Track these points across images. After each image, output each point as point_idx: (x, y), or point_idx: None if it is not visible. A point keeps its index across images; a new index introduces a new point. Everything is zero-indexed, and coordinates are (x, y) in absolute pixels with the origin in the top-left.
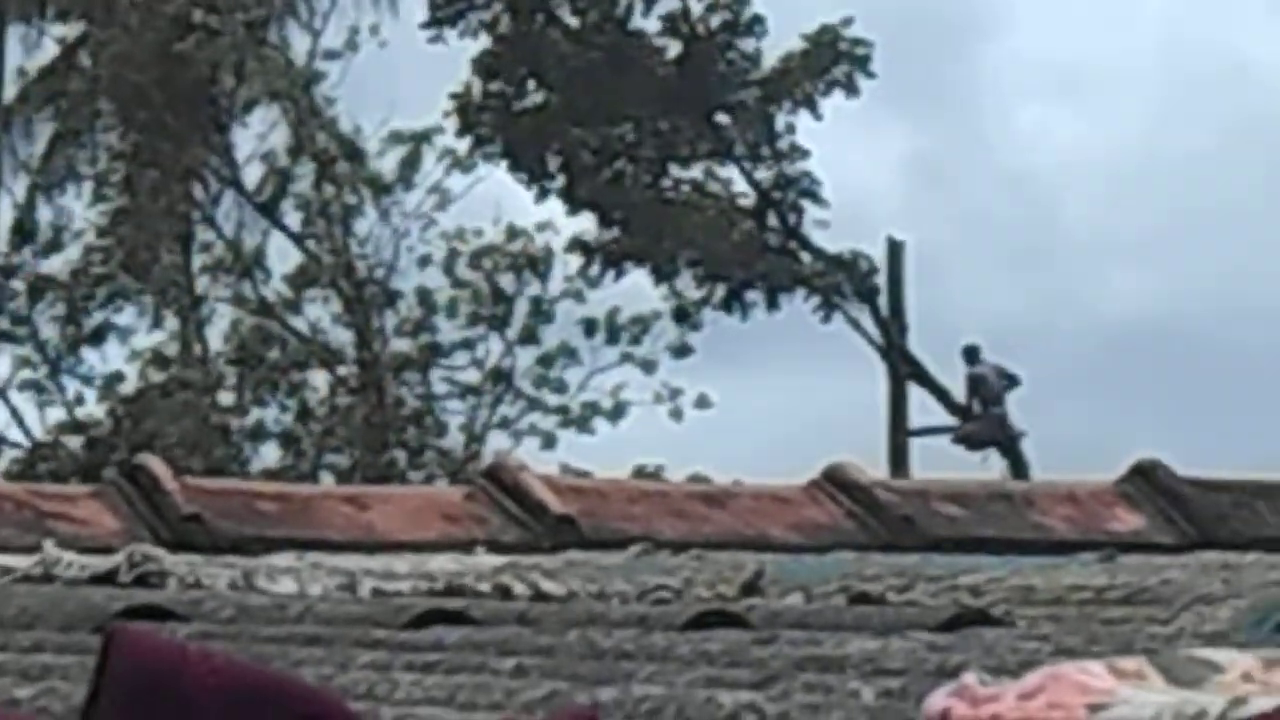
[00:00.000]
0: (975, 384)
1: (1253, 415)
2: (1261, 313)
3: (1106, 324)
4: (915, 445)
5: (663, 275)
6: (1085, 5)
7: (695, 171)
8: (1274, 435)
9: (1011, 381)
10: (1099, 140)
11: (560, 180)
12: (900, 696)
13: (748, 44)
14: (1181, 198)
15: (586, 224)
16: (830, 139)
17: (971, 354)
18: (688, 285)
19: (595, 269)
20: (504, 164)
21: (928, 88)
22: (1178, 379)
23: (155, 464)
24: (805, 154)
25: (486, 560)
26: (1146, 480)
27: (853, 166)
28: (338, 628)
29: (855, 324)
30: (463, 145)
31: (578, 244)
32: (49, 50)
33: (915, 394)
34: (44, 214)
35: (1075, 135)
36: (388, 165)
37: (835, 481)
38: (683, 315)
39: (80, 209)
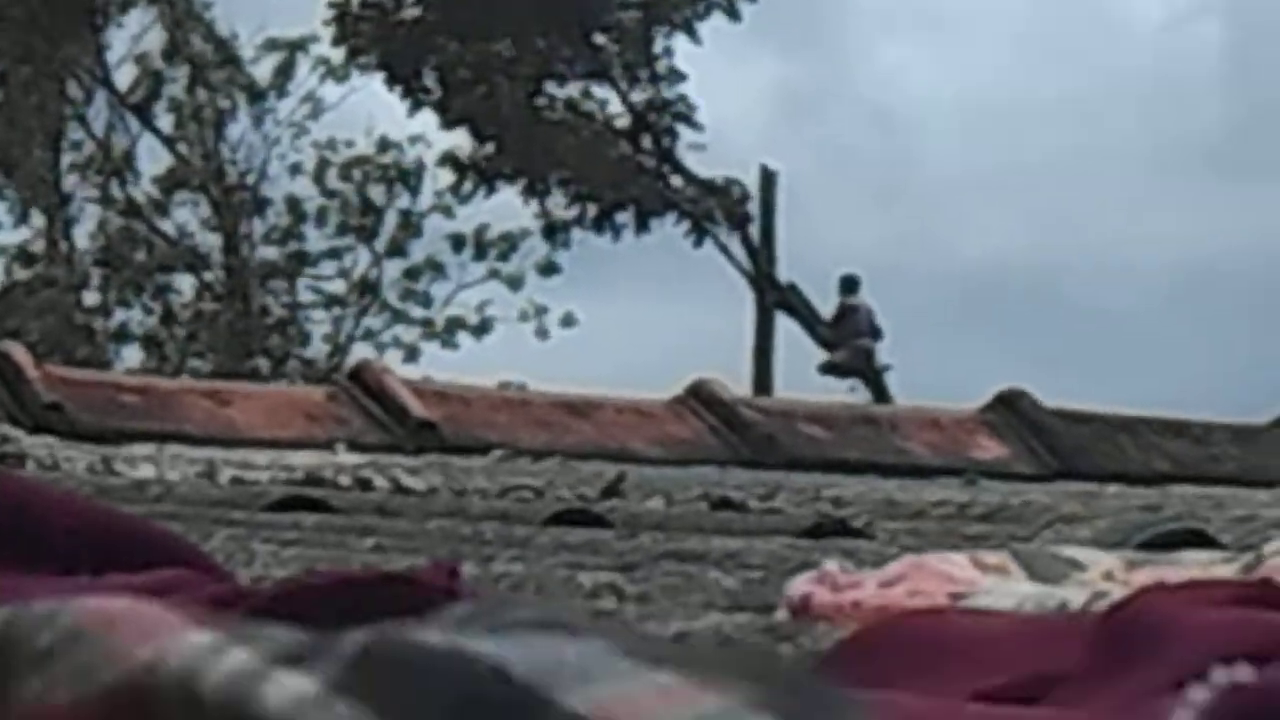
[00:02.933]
0: (848, 314)
1: (1109, 356)
2: (1113, 256)
3: (966, 262)
4: (779, 372)
5: (534, 193)
6: None
7: (572, 91)
8: (1130, 377)
9: (876, 334)
10: (960, 80)
11: (435, 94)
12: (761, 584)
13: None
14: (1040, 141)
15: (459, 139)
16: (704, 63)
17: (849, 284)
18: (559, 204)
19: (467, 185)
20: (379, 76)
21: (797, 17)
22: (1035, 320)
23: (18, 352)
24: (682, 77)
25: (347, 457)
26: (1010, 410)
27: (722, 92)
28: (196, 508)
29: (725, 250)
30: (338, 55)
31: (450, 159)
32: None
33: (781, 323)
34: None
35: (937, 74)
36: (262, 72)
37: (699, 398)
38: (552, 232)
39: None
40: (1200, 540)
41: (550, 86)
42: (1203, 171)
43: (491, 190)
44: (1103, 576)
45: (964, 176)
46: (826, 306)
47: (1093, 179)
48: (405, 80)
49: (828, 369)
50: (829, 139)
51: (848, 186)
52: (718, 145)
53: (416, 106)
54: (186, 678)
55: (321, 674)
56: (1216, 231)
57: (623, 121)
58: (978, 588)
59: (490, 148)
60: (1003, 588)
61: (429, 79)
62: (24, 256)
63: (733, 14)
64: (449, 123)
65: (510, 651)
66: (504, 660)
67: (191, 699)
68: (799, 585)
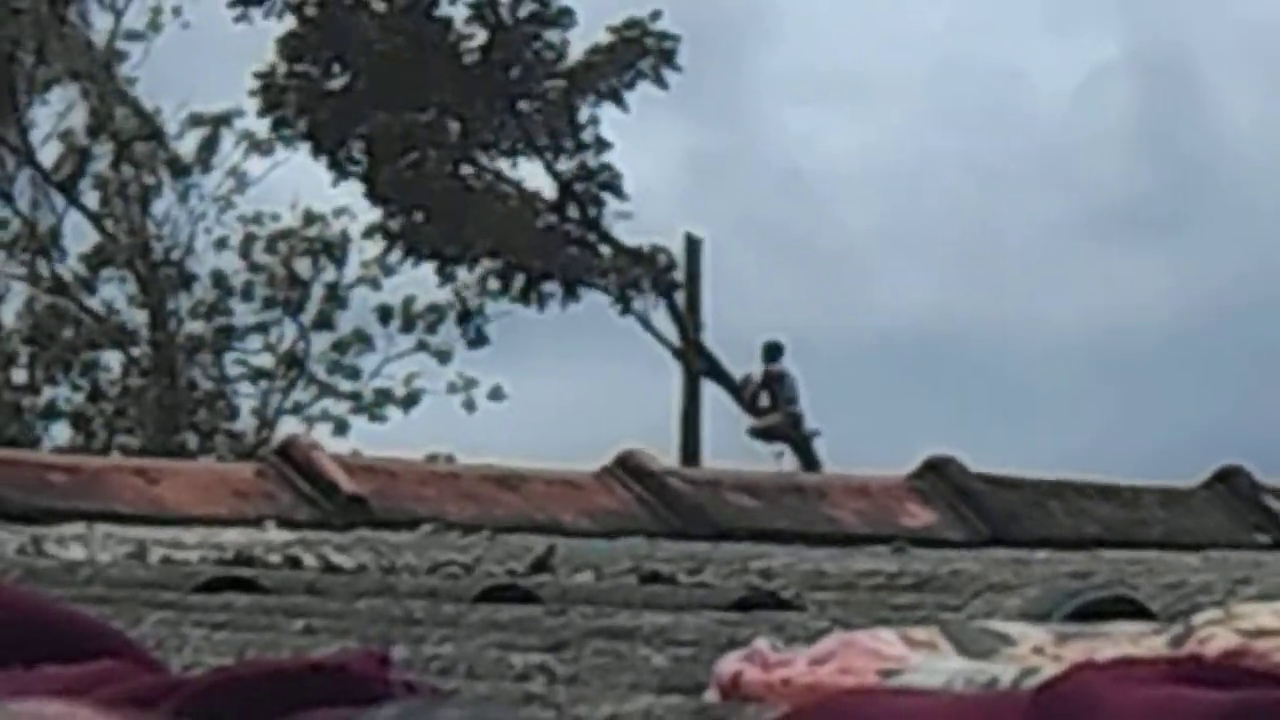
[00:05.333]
0: (774, 380)
1: (1029, 418)
2: (1028, 317)
3: (883, 326)
4: (707, 443)
5: (456, 265)
6: (863, 16)
7: (498, 161)
8: (1050, 438)
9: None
10: (872, 145)
11: (362, 165)
12: (691, 662)
13: (554, 35)
14: (951, 204)
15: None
16: (632, 131)
17: (773, 351)
18: (484, 276)
19: (395, 255)
20: (304, 147)
21: (708, 84)
22: (955, 382)
23: None
24: (607, 146)
25: (276, 535)
26: (939, 476)
27: (637, 159)
28: (126, 590)
29: (645, 322)
30: (264, 126)
31: (379, 229)
32: None
33: (708, 389)
34: None
35: (849, 139)
36: (187, 147)
37: (627, 468)
38: (466, 318)
39: None
40: (1130, 608)
41: (477, 156)
42: (1114, 232)
43: (419, 260)
44: (1032, 651)
45: (877, 241)
46: (744, 372)
47: (1005, 241)
48: (331, 151)
49: (757, 434)
50: (743, 205)
51: (764, 252)
52: (637, 212)
53: (342, 177)
54: None
55: None
56: (1130, 292)
57: (549, 191)
58: (907, 665)
59: (417, 218)
60: (932, 664)
61: (355, 149)
62: None
63: (658, 82)
64: (375, 194)
65: None
66: None
67: None
68: (729, 664)
